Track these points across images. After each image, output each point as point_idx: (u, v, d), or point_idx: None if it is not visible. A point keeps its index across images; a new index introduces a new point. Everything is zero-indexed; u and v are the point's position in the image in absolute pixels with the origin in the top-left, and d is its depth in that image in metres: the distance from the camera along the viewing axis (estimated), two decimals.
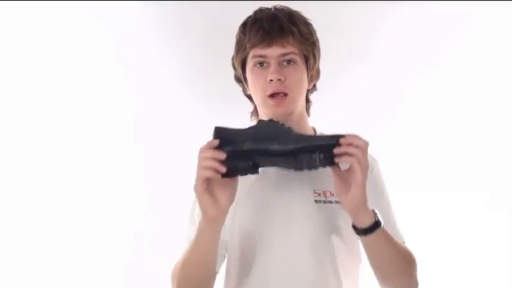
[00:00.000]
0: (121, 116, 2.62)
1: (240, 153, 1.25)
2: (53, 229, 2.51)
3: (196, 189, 1.27)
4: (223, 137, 1.27)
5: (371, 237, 1.30)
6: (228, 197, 1.30)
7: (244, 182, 1.40)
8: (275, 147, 1.24)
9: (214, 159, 1.24)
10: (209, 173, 1.25)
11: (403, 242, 1.50)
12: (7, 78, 2.53)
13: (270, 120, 1.30)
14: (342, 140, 1.21)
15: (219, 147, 1.27)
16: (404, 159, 2.53)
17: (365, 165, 1.22)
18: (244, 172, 1.28)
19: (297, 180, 1.46)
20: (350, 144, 1.22)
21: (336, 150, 1.22)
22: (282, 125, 1.28)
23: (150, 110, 2.63)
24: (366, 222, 1.28)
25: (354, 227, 1.31)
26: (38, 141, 2.54)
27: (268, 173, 1.45)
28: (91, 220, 2.54)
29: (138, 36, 2.62)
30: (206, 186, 1.26)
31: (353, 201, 1.25)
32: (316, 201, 1.46)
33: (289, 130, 1.27)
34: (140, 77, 2.64)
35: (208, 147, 1.26)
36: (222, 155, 1.24)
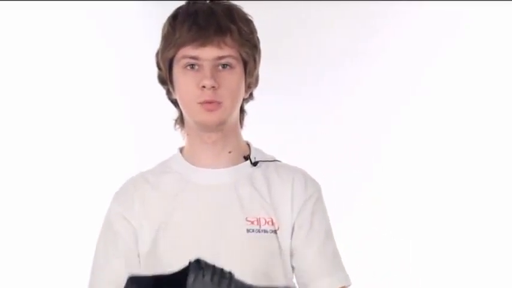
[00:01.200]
0: (120, 116, 2.60)
1: None
2: (46, 229, 2.48)
3: None
4: None
5: None
6: None
7: (164, 208, 1.22)
8: None
9: None
10: None
11: (348, 286, 1.31)
12: (6, 75, 2.51)
13: (199, 262, 0.96)
14: None
15: None
16: (405, 161, 2.56)
17: None
18: None
19: (226, 208, 1.27)
20: None
21: None
22: (218, 277, 0.96)
23: (149, 110, 2.56)
24: None
25: None
26: (35, 139, 2.51)
27: (192, 197, 1.28)
28: (87, 219, 2.43)
29: (139, 37, 2.60)
30: None
31: None
32: (248, 230, 1.27)
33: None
34: (140, 78, 2.51)
35: None
36: None
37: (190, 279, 0.93)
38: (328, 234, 1.32)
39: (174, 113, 2.55)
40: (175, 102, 1.37)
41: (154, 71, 2.50)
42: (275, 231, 1.26)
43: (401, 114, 2.58)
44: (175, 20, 1.29)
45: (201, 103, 1.25)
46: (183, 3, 2.36)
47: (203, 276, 0.93)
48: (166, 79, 1.34)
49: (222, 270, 0.95)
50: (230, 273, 0.96)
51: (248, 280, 1.22)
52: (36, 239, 2.46)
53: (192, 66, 1.26)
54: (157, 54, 1.35)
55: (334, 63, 2.41)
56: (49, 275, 2.44)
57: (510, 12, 2.54)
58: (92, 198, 2.45)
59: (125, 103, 2.61)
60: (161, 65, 1.33)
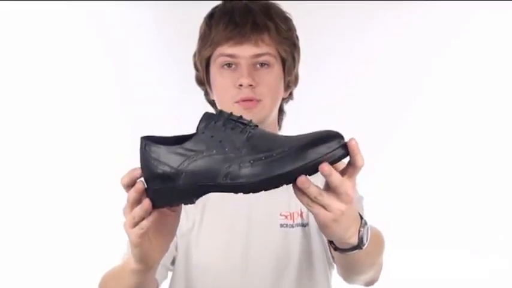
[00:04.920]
0: (120, 118, 2.59)
1: (173, 191, 0.88)
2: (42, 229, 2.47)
3: (131, 241, 0.93)
4: (153, 158, 0.88)
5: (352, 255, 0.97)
6: (169, 237, 0.98)
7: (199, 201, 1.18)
8: (224, 181, 0.85)
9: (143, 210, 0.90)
10: (141, 230, 0.90)
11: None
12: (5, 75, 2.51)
13: (219, 114, 0.88)
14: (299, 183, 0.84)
15: (145, 169, 0.89)
16: (405, 161, 2.56)
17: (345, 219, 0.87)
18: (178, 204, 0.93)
19: (263, 202, 1.24)
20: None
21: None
22: (233, 122, 0.87)
23: (149, 112, 2.60)
24: (347, 245, 0.95)
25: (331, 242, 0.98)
26: (34, 138, 2.51)
27: (226, 195, 1.24)
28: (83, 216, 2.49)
29: (141, 38, 2.63)
30: (144, 236, 0.93)
31: (331, 236, 0.93)
32: (281, 225, 1.25)
33: (246, 136, 0.86)
34: (140, 79, 2.61)
35: (129, 181, 0.91)
36: (147, 205, 0.89)
37: (201, 125, 0.87)
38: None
39: (170, 112, 2.55)
40: (213, 104, 1.34)
41: (151, 70, 2.54)
42: (307, 224, 1.24)
43: (401, 115, 2.58)
44: (211, 19, 1.26)
45: (238, 102, 1.22)
46: (177, 3, 2.38)
47: (215, 122, 0.87)
48: (203, 80, 1.31)
49: (239, 117, 0.87)
50: (250, 121, 0.88)
51: (289, 274, 1.23)
52: (34, 238, 2.45)
53: (229, 65, 1.23)
54: (194, 55, 1.32)
55: (335, 63, 2.47)
56: (49, 275, 2.43)
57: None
58: (90, 197, 2.48)
59: (121, 102, 2.60)
60: (198, 65, 1.30)
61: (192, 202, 0.90)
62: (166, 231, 0.97)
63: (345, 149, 0.84)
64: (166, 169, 0.87)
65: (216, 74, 1.25)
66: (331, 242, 0.97)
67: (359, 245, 0.93)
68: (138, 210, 0.90)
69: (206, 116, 0.89)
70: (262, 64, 1.23)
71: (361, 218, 0.93)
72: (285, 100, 1.34)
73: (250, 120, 0.89)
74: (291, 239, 1.24)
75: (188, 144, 0.87)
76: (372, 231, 0.97)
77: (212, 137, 0.87)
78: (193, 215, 1.27)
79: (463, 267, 2.46)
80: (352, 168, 0.86)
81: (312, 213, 0.87)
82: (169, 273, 1.31)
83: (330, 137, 0.83)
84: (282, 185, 0.84)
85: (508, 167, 2.53)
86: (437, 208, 2.50)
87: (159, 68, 2.59)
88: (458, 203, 2.50)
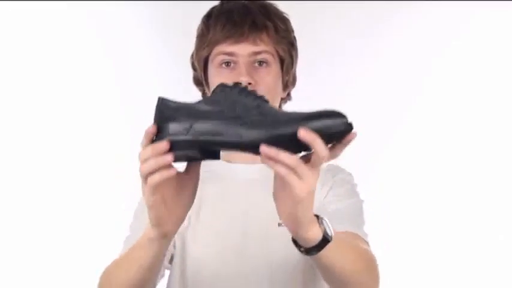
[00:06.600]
0: (120, 118, 2.59)
1: (183, 142, 0.91)
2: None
3: (145, 199, 0.95)
4: (167, 114, 0.93)
5: (317, 255, 0.99)
6: (185, 205, 1.00)
7: (196, 198, 1.14)
8: (230, 139, 0.89)
9: (157, 155, 0.91)
10: (157, 178, 0.90)
11: (366, 242, 1.23)
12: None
13: (234, 85, 0.94)
14: (301, 134, 0.85)
15: (159, 131, 0.93)
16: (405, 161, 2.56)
17: (309, 178, 0.88)
18: (200, 159, 0.96)
19: (261, 200, 1.21)
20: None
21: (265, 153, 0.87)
22: (248, 92, 0.93)
23: (149, 112, 2.53)
24: (309, 242, 0.96)
25: (295, 242, 1.00)
26: (33, 138, 2.51)
27: (227, 189, 1.28)
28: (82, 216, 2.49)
29: (141, 38, 2.64)
30: (158, 194, 0.94)
31: (289, 218, 0.94)
32: (280, 224, 1.23)
33: (254, 104, 0.91)
34: (140, 79, 2.61)
35: (147, 141, 0.93)
36: (163, 146, 0.90)
37: (216, 89, 0.93)
38: (351, 201, 1.28)
39: None
40: None
41: (151, 70, 2.56)
42: None
43: (401, 115, 2.57)
44: (209, 19, 1.27)
45: None
46: (177, 3, 2.26)
47: (230, 89, 0.93)
48: (201, 80, 1.31)
49: (253, 90, 0.95)
50: (262, 96, 0.94)
51: (287, 273, 1.22)
52: (34, 238, 2.45)
53: (227, 64, 1.23)
54: (192, 55, 1.33)
55: (336, 63, 2.50)
56: (48, 275, 2.43)
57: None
58: (90, 197, 2.49)
59: (121, 102, 2.61)
60: (196, 65, 1.31)
61: (198, 158, 0.95)
62: (182, 197, 0.98)
63: (348, 127, 0.87)
64: (181, 117, 0.92)
65: (214, 73, 1.25)
66: (296, 244, 0.99)
67: (325, 237, 0.95)
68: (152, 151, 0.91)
69: (221, 85, 0.94)
70: (260, 63, 1.23)
71: (317, 217, 0.96)
72: (283, 100, 1.34)
73: (263, 96, 0.94)
74: (289, 238, 1.23)
75: (201, 102, 0.93)
76: (359, 253, 1.03)
77: (225, 99, 0.92)
78: (190, 212, 1.27)
79: (463, 268, 2.45)
80: (315, 156, 0.87)
81: (288, 184, 0.88)
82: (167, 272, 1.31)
83: (334, 114, 0.87)
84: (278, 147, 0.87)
85: (508, 167, 2.52)
86: (437, 208, 2.50)
87: (159, 68, 2.59)
88: (458, 202, 2.49)
